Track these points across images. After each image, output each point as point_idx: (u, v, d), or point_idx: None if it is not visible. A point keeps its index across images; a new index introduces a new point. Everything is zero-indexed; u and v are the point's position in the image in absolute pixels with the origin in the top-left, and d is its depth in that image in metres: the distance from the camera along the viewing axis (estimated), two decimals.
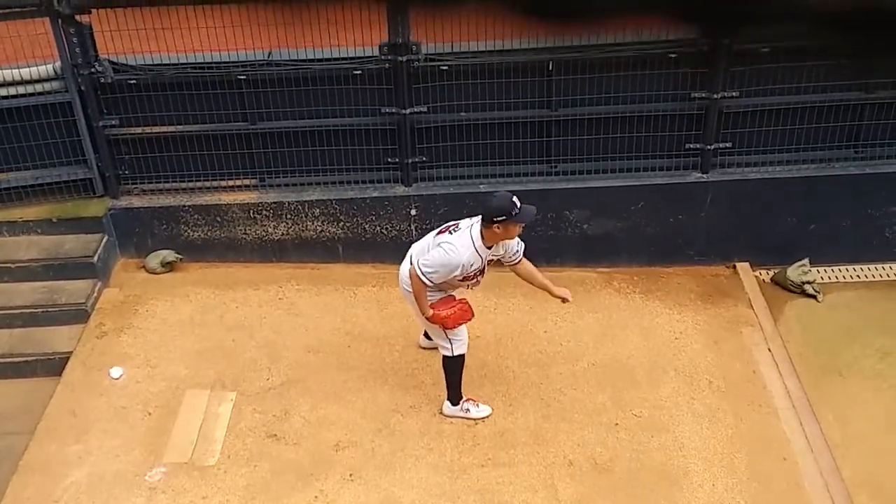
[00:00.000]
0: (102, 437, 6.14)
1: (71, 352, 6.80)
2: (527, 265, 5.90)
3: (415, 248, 5.80)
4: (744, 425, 6.23)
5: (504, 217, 5.38)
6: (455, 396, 6.18)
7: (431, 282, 5.54)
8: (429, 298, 5.70)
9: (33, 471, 5.92)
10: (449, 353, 5.98)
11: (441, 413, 6.24)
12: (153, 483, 5.83)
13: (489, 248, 5.58)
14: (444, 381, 6.15)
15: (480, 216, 5.54)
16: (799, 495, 5.77)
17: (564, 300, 5.98)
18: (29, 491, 5.79)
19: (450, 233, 5.59)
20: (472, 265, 5.55)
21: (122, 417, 6.29)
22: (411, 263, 5.63)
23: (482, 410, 6.24)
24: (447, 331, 5.84)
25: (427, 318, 5.73)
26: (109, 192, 7.58)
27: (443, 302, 5.77)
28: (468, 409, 6.22)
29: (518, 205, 5.40)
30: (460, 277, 5.60)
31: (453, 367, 6.07)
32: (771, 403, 6.40)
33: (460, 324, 5.81)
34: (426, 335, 6.46)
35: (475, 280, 5.75)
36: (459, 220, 5.71)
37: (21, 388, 6.68)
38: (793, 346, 6.92)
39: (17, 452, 6.06)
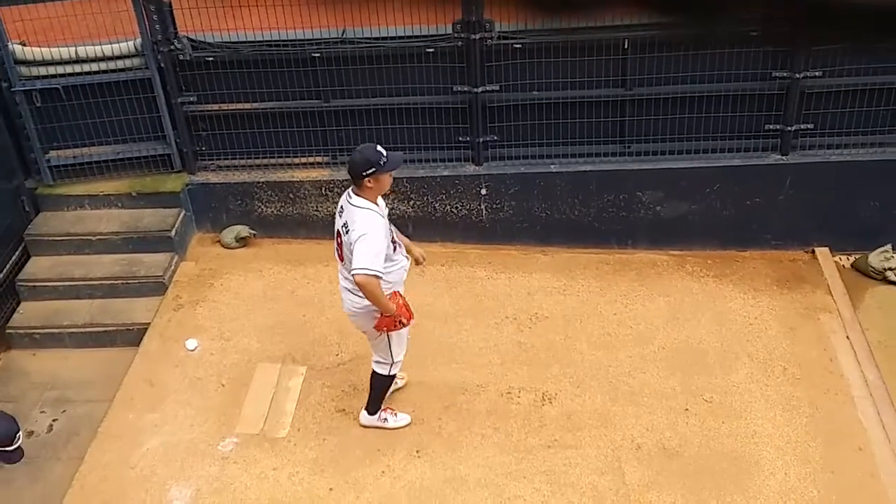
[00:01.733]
0: (177, 407, 6.30)
1: (148, 323, 6.99)
2: None
3: (345, 269, 5.40)
4: (819, 414, 6.08)
5: (373, 169, 5.07)
6: (374, 408, 6.02)
7: (379, 269, 5.11)
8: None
9: (111, 437, 6.11)
10: (385, 372, 5.78)
11: (360, 423, 6.08)
12: (225, 453, 5.97)
13: (377, 203, 5.25)
14: (372, 391, 5.96)
15: (352, 183, 5.21)
16: (874, 486, 5.62)
17: (418, 262, 5.76)
18: (107, 457, 5.98)
19: (347, 232, 5.18)
20: (387, 226, 5.27)
21: (197, 388, 6.45)
22: (354, 276, 5.13)
23: (400, 420, 6.06)
24: (393, 348, 5.61)
25: (393, 312, 5.31)
26: (187, 168, 7.75)
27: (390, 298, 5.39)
28: (385, 419, 6.05)
29: (384, 153, 5.11)
30: (391, 245, 5.31)
31: (382, 383, 5.90)
32: (848, 392, 6.23)
33: (409, 319, 5.48)
34: None
35: (396, 240, 5.45)
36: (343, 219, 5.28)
37: (101, 357, 6.90)
38: (872, 335, 6.71)
39: (96, 419, 6.27)
